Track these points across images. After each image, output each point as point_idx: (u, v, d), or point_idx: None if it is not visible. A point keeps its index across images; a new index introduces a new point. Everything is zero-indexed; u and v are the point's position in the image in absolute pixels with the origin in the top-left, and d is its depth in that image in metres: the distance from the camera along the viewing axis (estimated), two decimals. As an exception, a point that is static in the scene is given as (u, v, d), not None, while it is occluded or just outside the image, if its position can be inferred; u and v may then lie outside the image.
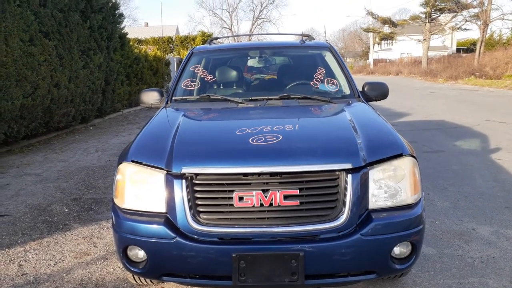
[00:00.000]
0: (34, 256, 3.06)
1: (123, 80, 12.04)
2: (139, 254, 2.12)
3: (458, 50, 45.47)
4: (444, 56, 34.73)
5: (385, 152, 2.16)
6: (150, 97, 3.39)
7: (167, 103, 3.24)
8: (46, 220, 3.76)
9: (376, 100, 3.40)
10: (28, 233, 3.47)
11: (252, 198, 1.98)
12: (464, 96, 14.95)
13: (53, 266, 2.90)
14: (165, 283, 2.64)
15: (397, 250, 2.09)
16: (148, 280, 2.49)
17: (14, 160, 6.25)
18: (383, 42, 52.50)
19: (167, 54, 19.99)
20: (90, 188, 4.74)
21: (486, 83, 19.75)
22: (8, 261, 2.98)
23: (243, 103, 3.02)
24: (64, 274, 2.79)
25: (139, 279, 2.49)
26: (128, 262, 2.14)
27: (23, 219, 3.79)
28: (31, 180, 5.10)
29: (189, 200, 2.01)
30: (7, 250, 3.16)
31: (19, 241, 3.31)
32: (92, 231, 3.50)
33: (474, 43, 36.19)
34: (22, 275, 2.78)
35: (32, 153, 6.83)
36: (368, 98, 3.32)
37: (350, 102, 3.11)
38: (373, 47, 49.02)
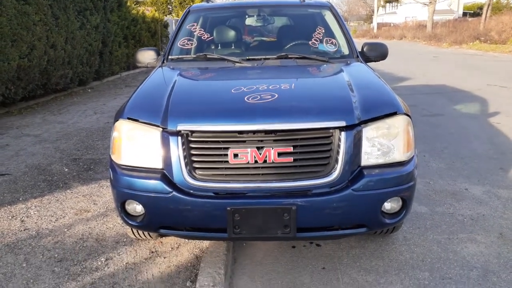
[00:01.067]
0: (35, 212, 3.14)
1: (121, 42, 11.84)
2: (137, 208, 2.18)
3: (464, 14, 44.32)
4: (449, 20, 33.93)
5: (380, 110, 2.17)
6: (146, 56, 3.35)
7: (163, 62, 3.21)
8: (46, 179, 3.83)
9: (375, 61, 3.37)
10: (29, 191, 3.54)
11: (246, 155, 2.01)
12: (468, 61, 14.74)
13: (54, 222, 2.99)
14: (163, 237, 2.72)
15: (387, 205, 2.15)
16: (146, 234, 2.57)
17: (12, 122, 6.26)
18: (388, 5, 51.14)
19: (166, 15, 19.53)
20: (89, 149, 4.79)
21: (491, 48, 19.41)
22: (10, 217, 3.06)
23: (240, 63, 3.00)
24: (65, 229, 2.88)
25: (138, 233, 2.57)
26: (126, 216, 2.20)
27: (23, 178, 3.85)
28: (30, 141, 5.14)
29: (185, 157, 2.04)
30: (9, 207, 3.24)
31: (20, 199, 3.39)
32: (91, 190, 3.57)
33: (481, 7, 35.20)
34: (24, 230, 2.87)
35: (31, 114, 6.83)
36: (367, 59, 3.28)
37: (349, 62, 3.08)
38: (378, 10, 47.78)
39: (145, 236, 2.62)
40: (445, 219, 2.97)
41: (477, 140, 4.91)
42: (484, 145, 4.70)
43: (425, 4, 32.58)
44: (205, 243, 2.62)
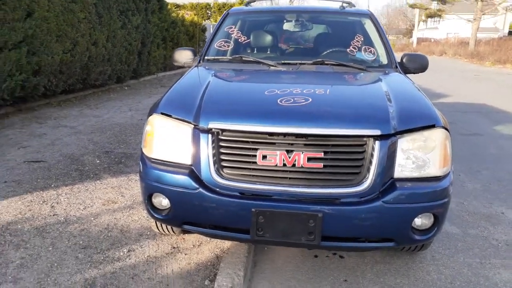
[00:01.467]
0: (65, 199, 3.23)
1: (159, 43, 12.13)
2: (163, 202, 2.19)
3: (510, 33, 42.67)
4: (494, 38, 32.74)
5: (417, 121, 2.10)
6: (184, 55, 3.40)
7: (199, 62, 3.25)
8: (78, 168, 3.94)
9: (414, 73, 3.28)
10: (61, 179, 3.65)
11: (275, 157, 1.98)
12: (510, 81, 14.13)
13: (82, 210, 3.06)
14: (186, 234, 2.73)
15: (418, 221, 2.06)
16: (169, 229, 2.59)
17: (51, 113, 6.51)
18: (429, 20, 49.99)
19: (204, 20, 19.90)
20: (122, 143, 4.89)
21: (537, 70, 18.53)
22: (41, 202, 3.16)
23: (275, 66, 2.98)
24: (92, 218, 2.94)
25: (162, 228, 2.59)
26: (152, 208, 2.22)
27: (57, 166, 3.98)
28: (67, 132, 5.31)
29: (213, 155, 2.04)
30: (41, 192, 3.35)
31: (52, 185, 3.49)
32: (120, 182, 3.64)
33: (528, 27, 33.77)
34: (53, 215, 2.95)
35: (69, 107, 7.08)
36: (406, 70, 3.20)
37: (387, 72, 3.01)
38: (418, 24, 46.82)
39: (169, 232, 2.63)
40: (478, 242, 2.82)
41: (517, 163, 4.67)
42: (524, 169, 4.46)
43: (469, 21, 31.62)
44: (227, 244, 2.61)
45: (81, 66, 7.75)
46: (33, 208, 3.04)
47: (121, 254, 2.51)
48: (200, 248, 2.62)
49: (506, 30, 44.21)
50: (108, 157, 4.34)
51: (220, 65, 3.18)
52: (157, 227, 2.59)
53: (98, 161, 4.20)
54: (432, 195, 2.03)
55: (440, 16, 35.69)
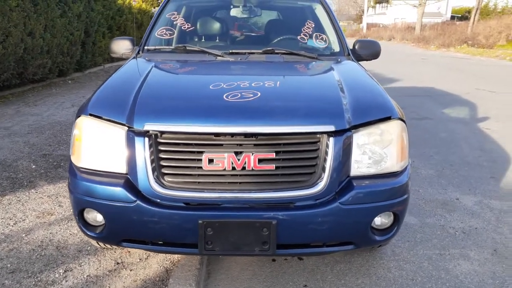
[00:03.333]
0: (-8, 214, 2.85)
1: (105, 32, 11.42)
2: (97, 217, 1.93)
3: (452, 18, 44.69)
4: (438, 23, 34.10)
5: (373, 114, 1.97)
6: (121, 46, 3.08)
7: (138, 53, 2.95)
8: (10, 176, 3.53)
9: (367, 60, 3.17)
10: (-11, 190, 3.24)
11: (223, 160, 1.78)
12: (455, 64, 14.73)
13: (12, 226, 2.71)
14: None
15: (378, 221, 1.95)
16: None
17: (-17, 112, 5.89)
18: (378, 6, 51.31)
19: (154, 7, 19.07)
20: (62, 144, 4.48)
21: (478, 52, 19.50)
22: (-37, 219, 2.77)
23: (222, 56, 2.76)
24: (24, 235, 2.61)
25: (102, 243, 2.32)
26: (84, 225, 1.96)
27: (-15, 174, 3.55)
28: (-1, 134, 4.80)
29: (152, 161, 1.80)
30: (-37, 207, 2.95)
31: (-22, 198, 3.09)
32: (58, 190, 3.29)
33: (469, 11, 35.48)
34: (-23, 235, 2.59)
35: (4, 105, 6.46)
36: (358, 57, 3.08)
37: (339, 60, 2.87)
38: (367, 10, 47.89)
39: (110, 246, 2.36)
40: (436, 232, 2.79)
41: (467, 146, 4.77)
42: (474, 152, 4.56)
43: (414, 6, 32.71)
44: (177, 255, 2.38)
45: (15, 59, 7.07)
46: (-48, 228, 2.66)
47: (56, 275, 2.23)
48: (147, 261, 2.38)
49: (449, 15, 46.28)
50: (46, 161, 3.95)
51: (161, 56, 2.90)
52: (97, 242, 2.32)
53: (34, 166, 3.79)
54: (391, 192, 1.91)
55: (387, 1, 36.63)
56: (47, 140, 4.65)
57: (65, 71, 9.33)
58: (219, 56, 2.75)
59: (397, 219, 1.97)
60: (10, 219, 2.80)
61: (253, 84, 2.11)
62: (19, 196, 3.16)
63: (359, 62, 2.99)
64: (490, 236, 2.74)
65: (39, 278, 2.19)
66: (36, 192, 3.24)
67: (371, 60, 3.20)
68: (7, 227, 2.70)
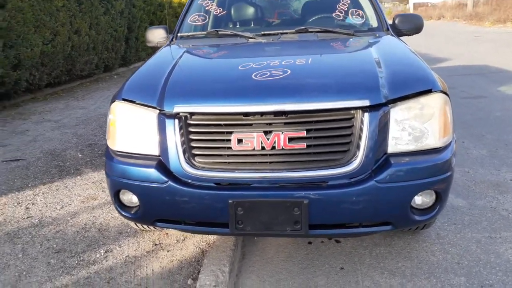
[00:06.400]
0: (42, 199, 3.02)
1: (147, 27, 11.71)
2: (133, 198, 1.97)
3: (509, -9, 41.40)
4: (492, -3, 31.77)
5: (412, 87, 1.84)
6: (156, 35, 3.12)
7: (171, 40, 2.97)
8: (58, 164, 3.72)
9: (408, 35, 2.99)
10: (40, 177, 3.43)
11: (252, 140, 1.74)
12: (513, 40, 13.66)
13: (59, 210, 2.85)
14: (170, 229, 2.52)
15: (418, 200, 1.83)
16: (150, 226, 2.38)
17: (36, 108, 6.26)
18: (425, -16, 48.56)
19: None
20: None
21: (539, 26, 17.95)
22: (16, 204, 2.95)
23: (254, 38, 2.71)
24: (69, 218, 2.73)
25: (142, 225, 2.38)
26: (120, 206, 2.01)
27: (36, 163, 3.76)
28: (50, 126, 5.08)
29: (183, 143, 1.80)
30: (16, 193, 3.14)
31: (29, 185, 3.28)
32: (102, 176, 3.42)
33: (528, -18, 32.67)
34: (27, 218, 2.74)
35: (55, 100, 6.83)
36: (399, 32, 2.91)
37: (378, 35, 2.72)
38: (414, -11, 45.54)
39: (149, 228, 2.42)
40: (487, 214, 2.59)
41: (524, 124, 4.40)
42: (532, 130, 4.20)
43: (466, -18, 30.63)
44: (213, 236, 2.39)
45: (64, 57, 7.44)
46: (6, 212, 2.84)
47: (98, 256, 2.31)
48: (184, 243, 2.41)
49: (506, -12, 42.89)
50: (92, 150, 4.12)
51: (194, 41, 2.90)
52: (136, 224, 2.38)
53: (80, 155, 3.97)
54: (432, 169, 1.78)
55: (436, -22, 34.61)
56: (93, 131, 4.85)
57: (111, 66, 9.69)
58: (251, 38, 2.71)
59: (440, 198, 1.84)
60: (57, 204, 2.94)
61: (283, 63, 2.05)
62: (66, 182, 3.32)
63: (400, 38, 2.83)
64: (548, 218, 2.51)
65: (81, 258, 2.28)
66: (82, 179, 3.39)
67: (412, 34, 3.02)
68: (54, 211, 2.84)
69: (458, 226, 2.47)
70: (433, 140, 1.81)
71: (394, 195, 1.76)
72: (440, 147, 1.83)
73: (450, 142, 1.88)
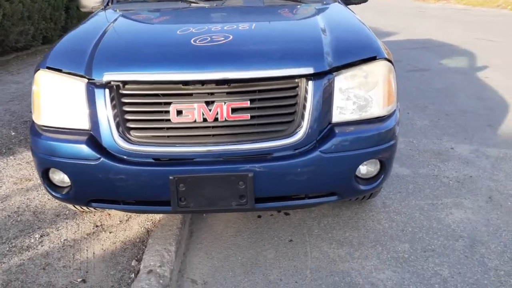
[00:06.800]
0: (-32, 183, 2.75)
1: (89, -4, 10.95)
2: (65, 178, 1.81)
3: (452, -32, 42.99)
4: (437, -26, 32.82)
5: (356, 54, 1.79)
6: (91, -1, 2.86)
7: (107, 4, 2.73)
8: (-12, 144, 3.40)
9: (356, 3, 2.96)
10: (-34, 159, 3.12)
11: (193, 111, 1.63)
12: (455, 15, 14.22)
13: (-13, 193, 2.61)
14: (112, 210, 2.38)
15: (363, 169, 1.82)
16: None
17: (-37, 83, 5.69)
18: (375, -42, 49.16)
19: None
20: (43, 111, 4.32)
21: (478, 3, 18.80)
22: None
23: (197, 3, 2.54)
24: (0, 202, 2.51)
25: (80, 206, 2.21)
26: (50, 187, 1.84)
27: (-38, 144, 3.41)
28: (-21, 103, 4.63)
29: (115, 115, 1.66)
30: None
31: (-47, 168, 2.97)
32: (38, 156, 3.16)
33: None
34: (-50, 204, 2.49)
35: (-15, 75, 6.24)
36: (347, 1, 2.86)
37: (325, 3, 2.65)
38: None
39: (88, 209, 2.26)
40: (429, 182, 2.68)
41: (464, 95, 4.60)
42: (471, 101, 4.39)
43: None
44: (158, 215, 2.29)
45: (-6, 27, 6.78)
46: None
47: (32, 241, 2.14)
48: (128, 223, 2.29)
49: (450, -35, 44.47)
50: (26, 128, 3.79)
51: (132, 5, 2.68)
52: (74, 206, 2.21)
53: (13, 133, 3.65)
54: (376, 138, 1.78)
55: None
56: (29, 107, 4.44)
57: (50, 37, 8.99)
58: (193, 2, 2.54)
59: (384, 167, 1.85)
60: (-14, 187, 2.69)
61: (225, 28, 1.93)
62: (-3, 163, 3.04)
63: (348, 6, 2.78)
64: (485, 183, 2.64)
65: (13, 244, 2.10)
66: (15, 159, 3.12)
67: (360, 3, 3.00)
68: (-18, 195, 2.59)
69: (402, 195, 2.53)
70: (377, 109, 1.80)
71: (339, 165, 1.74)
72: (384, 116, 1.82)
73: (394, 111, 1.88)
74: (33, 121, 1.87)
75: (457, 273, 1.87)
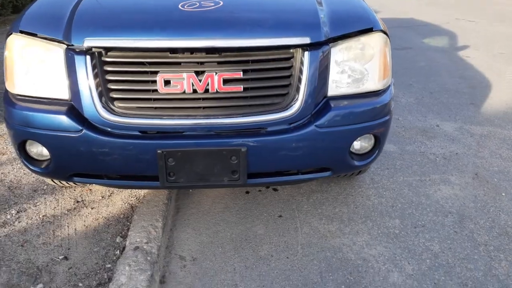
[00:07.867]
0: None
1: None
2: (43, 151, 1.69)
3: None
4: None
5: (353, 25, 1.72)
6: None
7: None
8: (-45, 116, 3.19)
9: None
10: None
11: (182, 81, 1.54)
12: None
13: (-43, 168, 2.45)
14: (95, 184, 2.28)
15: (357, 145, 1.79)
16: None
17: None
18: None
19: None
20: (15, 82, 4.08)
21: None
22: None
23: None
24: (-29, 177, 2.36)
25: (59, 181, 2.10)
26: (27, 160, 1.72)
27: None
28: None
29: (98, 84, 1.54)
30: None
31: None
32: (11, 129, 2.99)
33: None
34: None
35: (-50, 43, 5.84)
36: None
37: None
38: None
39: (68, 184, 2.15)
40: (416, 158, 2.68)
41: (447, 74, 4.62)
42: (453, 79, 4.42)
43: None
44: (143, 190, 2.21)
45: (-43, -8, 6.33)
46: None
47: (8, 217, 2.03)
48: (110, 199, 2.20)
49: None
50: (-3, 100, 3.59)
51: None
52: (52, 180, 2.10)
53: (-17, 106, 3.44)
54: (372, 113, 1.73)
55: None
56: (1, 77, 4.23)
57: (20, 7, 8.51)
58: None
59: (378, 143, 1.82)
60: (-45, 161, 2.53)
61: None
62: (-34, 136, 2.86)
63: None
64: (471, 160, 2.66)
65: (-13, 221, 1.99)
66: (-14, 132, 2.94)
67: None
68: (-49, 169, 2.44)
69: (391, 171, 2.52)
70: (373, 83, 1.75)
71: (334, 140, 1.69)
72: (379, 90, 1.77)
73: (389, 85, 1.84)
74: (6, 90, 1.73)
75: (447, 248, 1.88)
